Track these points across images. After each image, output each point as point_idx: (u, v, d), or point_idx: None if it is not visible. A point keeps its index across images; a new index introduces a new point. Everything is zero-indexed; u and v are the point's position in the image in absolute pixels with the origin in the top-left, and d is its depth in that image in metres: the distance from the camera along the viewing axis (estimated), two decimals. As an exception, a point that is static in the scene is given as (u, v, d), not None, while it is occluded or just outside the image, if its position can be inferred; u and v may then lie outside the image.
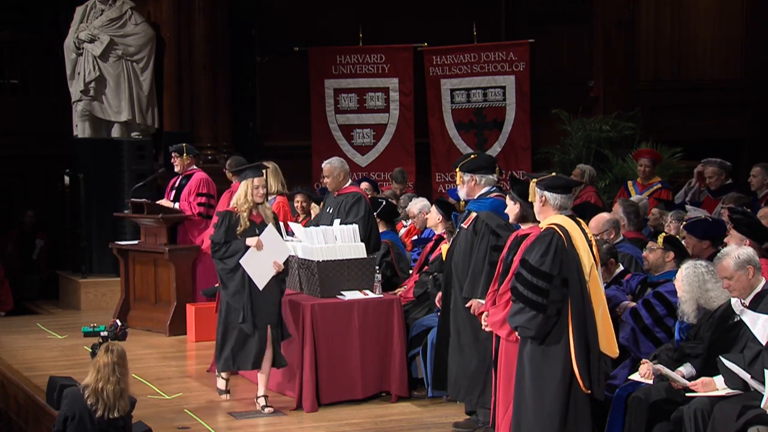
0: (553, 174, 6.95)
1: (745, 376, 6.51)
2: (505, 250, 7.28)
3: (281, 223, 9.44)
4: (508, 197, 7.41)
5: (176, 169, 12.36)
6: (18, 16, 16.97)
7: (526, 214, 7.25)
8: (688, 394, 6.79)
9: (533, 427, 6.68)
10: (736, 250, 6.91)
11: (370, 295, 9.14)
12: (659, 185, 12.57)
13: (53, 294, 14.98)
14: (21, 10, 17.00)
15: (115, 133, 14.99)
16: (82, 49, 14.85)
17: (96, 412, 7.06)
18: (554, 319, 6.62)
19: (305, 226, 9.80)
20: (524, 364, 6.72)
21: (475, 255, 8.03)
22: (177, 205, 12.33)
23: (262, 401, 8.88)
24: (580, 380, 6.61)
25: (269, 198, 9.90)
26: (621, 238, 9.16)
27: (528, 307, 6.61)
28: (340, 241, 9.22)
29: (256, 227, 8.81)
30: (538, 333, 6.62)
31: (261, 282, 8.71)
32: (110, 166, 14.17)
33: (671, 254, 8.00)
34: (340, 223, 9.43)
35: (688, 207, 10.96)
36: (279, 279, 8.84)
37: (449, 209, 9.70)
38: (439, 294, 8.80)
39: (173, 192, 12.47)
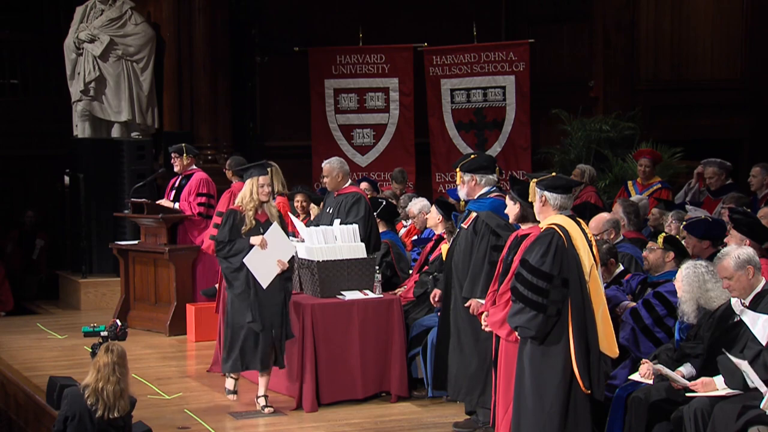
0: (553, 174, 6.95)
1: (748, 368, 6.48)
2: (505, 250, 7.28)
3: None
4: (507, 197, 7.41)
5: (176, 169, 12.36)
6: (18, 16, 16.98)
7: (526, 214, 7.25)
8: (688, 394, 6.79)
9: (533, 427, 6.68)
10: (736, 250, 6.91)
11: (370, 295, 9.14)
12: (659, 185, 12.57)
13: (53, 294, 15.00)
14: (21, 10, 17.01)
15: (115, 133, 14.99)
16: (82, 49, 14.86)
17: (96, 412, 7.06)
18: (554, 319, 6.62)
19: (305, 226, 9.80)
20: (524, 364, 6.72)
21: (474, 255, 8.03)
22: (177, 205, 12.34)
23: (262, 401, 8.88)
24: (580, 380, 6.61)
25: (269, 198, 9.89)
26: (621, 238, 9.17)
27: (528, 307, 6.61)
28: (340, 241, 9.22)
29: (261, 226, 8.77)
30: (538, 333, 6.62)
31: (265, 281, 8.69)
32: (110, 166, 14.18)
33: (671, 254, 8.00)
34: (340, 223, 9.43)
35: (688, 207, 10.96)
36: (284, 278, 8.80)
37: (449, 209, 9.70)
38: (435, 291, 8.82)
39: (173, 192, 12.48)
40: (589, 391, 6.67)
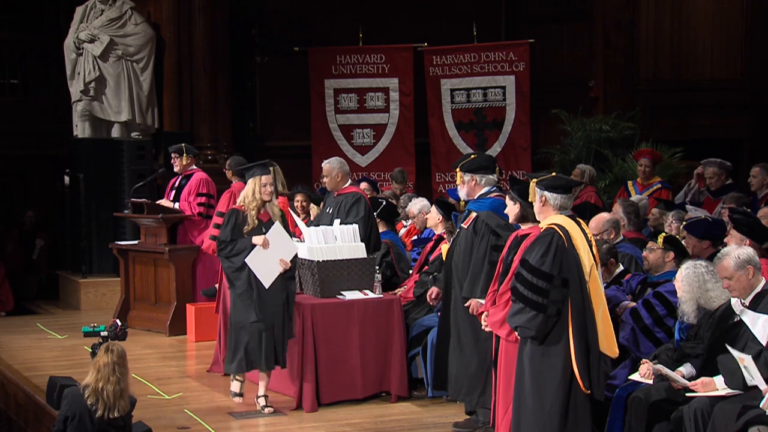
0: (553, 174, 6.95)
1: (750, 363, 6.46)
2: (505, 250, 7.28)
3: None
4: (507, 197, 7.41)
5: (176, 169, 12.37)
6: (18, 16, 16.98)
7: (526, 214, 7.25)
8: (688, 394, 6.79)
9: (533, 427, 6.68)
10: (736, 250, 6.91)
11: (370, 295, 9.14)
12: (659, 185, 12.57)
13: (53, 294, 15.00)
14: (21, 10, 17.01)
15: (115, 133, 14.99)
16: (82, 49, 14.86)
17: (96, 412, 7.06)
18: (554, 319, 6.62)
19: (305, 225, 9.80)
20: (524, 364, 6.72)
21: (474, 255, 8.03)
22: (177, 205, 12.34)
23: (262, 401, 8.87)
24: (579, 380, 6.61)
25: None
26: (621, 238, 9.17)
27: (528, 307, 6.61)
28: (340, 241, 9.21)
29: (263, 226, 8.74)
30: (538, 333, 6.61)
31: (267, 280, 8.66)
32: (110, 166, 14.18)
33: (671, 254, 8.00)
34: (340, 223, 9.43)
35: (688, 207, 10.96)
36: (287, 278, 8.76)
37: (449, 209, 9.70)
38: (433, 289, 8.83)
39: (173, 192, 12.48)
40: (589, 391, 6.67)
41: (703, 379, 6.81)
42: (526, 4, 17.09)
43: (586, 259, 6.68)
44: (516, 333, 6.79)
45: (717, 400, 6.60)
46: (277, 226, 8.73)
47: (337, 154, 12.44)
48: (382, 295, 9.19)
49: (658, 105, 16.20)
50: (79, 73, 14.92)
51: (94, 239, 14.16)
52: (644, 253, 8.27)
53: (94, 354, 7.60)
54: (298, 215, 11.02)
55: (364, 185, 11.97)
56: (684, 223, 8.98)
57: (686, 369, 7.06)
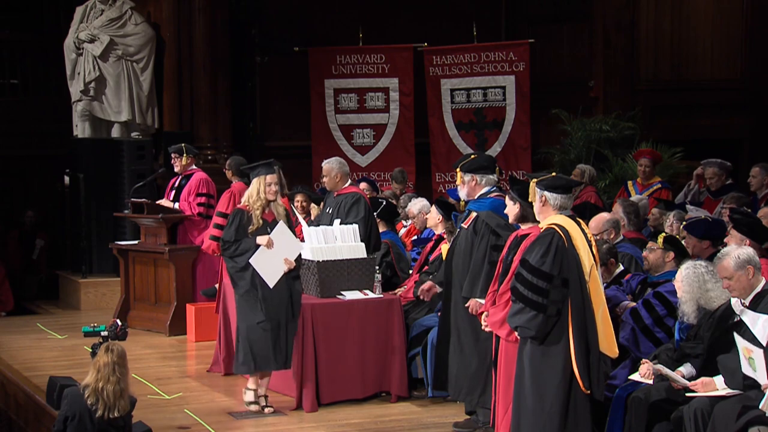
0: (553, 174, 6.95)
1: (759, 356, 6.43)
2: (504, 250, 7.28)
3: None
4: (507, 197, 7.41)
5: (176, 170, 12.37)
6: (18, 16, 16.98)
7: (526, 214, 7.25)
8: (688, 394, 6.79)
9: (533, 427, 6.68)
10: (736, 250, 6.90)
11: (370, 295, 9.14)
12: (659, 185, 12.57)
13: (53, 294, 15.00)
14: (21, 10, 17.01)
15: (115, 133, 14.99)
16: (82, 49, 14.86)
17: (96, 412, 7.06)
18: (554, 319, 6.61)
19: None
20: (524, 364, 6.72)
21: (474, 255, 8.03)
22: (177, 205, 12.34)
23: (262, 401, 8.87)
24: (579, 380, 6.61)
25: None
26: (621, 238, 9.17)
27: (528, 307, 6.61)
28: (340, 241, 9.21)
29: (268, 225, 8.70)
30: (538, 333, 6.61)
31: (271, 280, 8.63)
32: (110, 166, 14.18)
33: (671, 254, 8.00)
34: (340, 224, 9.43)
35: (688, 207, 10.96)
36: (292, 277, 8.73)
37: (449, 209, 9.70)
38: (427, 283, 8.83)
39: (173, 192, 12.48)
40: (589, 391, 6.67)
41: (703, 379, 6.81)
42: (526, 4, 17.09)
43: (586, 259, 6.68)
44: (516, 333, 6.79)
45: (717, 400, 6.60)
46: (282, 226, 8.70)
47: (337, 154, 12.45)
48: (382, 295, 9.19)
49: (658, 105, 16.20)
50: (79, 73, 14.92)
51: (94, 239, 14.16)
52: (644, 253, 8.27)
53: (94, 354, 7.59)
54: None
55: (363, 185, 11.97)
56: (684, 223, 8.98)
57: (686, 369, 7.06)
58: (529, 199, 6.97)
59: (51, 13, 16.99)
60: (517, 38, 16.25)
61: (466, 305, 8.01)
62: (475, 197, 8.19)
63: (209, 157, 14.83)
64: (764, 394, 6.32)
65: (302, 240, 9.33)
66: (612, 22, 16.09)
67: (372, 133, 15.76)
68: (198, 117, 15.17)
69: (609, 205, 11.64)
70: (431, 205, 10.18)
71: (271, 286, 8.62)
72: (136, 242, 12.73)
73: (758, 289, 6.81)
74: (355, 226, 9.32)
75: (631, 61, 16.24)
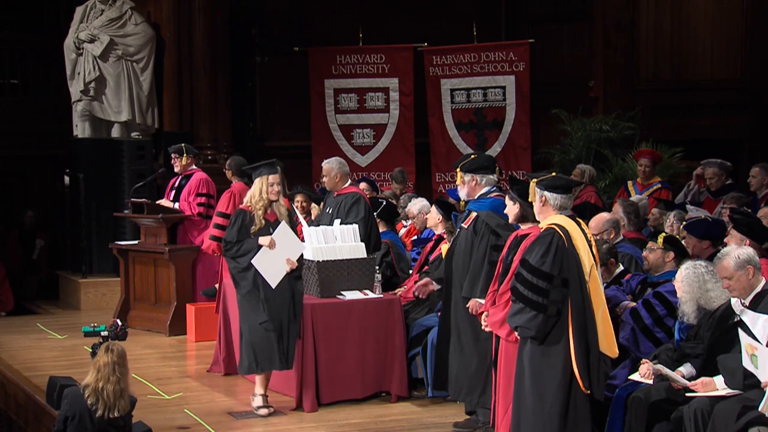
0: (553, 174, 6.95)
1: (764, 353, 6.43)
2: (504, 250, 7.28)
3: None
4: (507, 197, 7.41)
5: (176, 170, 12.37)
6: (18, 16, 16.98)
7: (526, 214, 7.25)
8: (688, 394, 6.79)
9: (533, 427, 6.68)
10: (736, 250, 6.91)
11: (370, 295, 9.13)
12: (659, 185, 12.57)
13: (53, 294, 15.00)
14: (21, 10, 17.01)
15: (115, 133, 14.99)
16: (82, 49, 14.86)
17: (96, 412, 7.06)
18: (554, 319, 6.61)
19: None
20: (524, 364, 6.72)
21: (474, 254, 8.03)
22: (177, 205, 12.34)
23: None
24: (579, 380, 6.61)
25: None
26: (621, 238, 9.17)
27: (528, 307, 6.61)
28: (340, 241, 9.21)
29: (270, 226, 8.68)
30: (538, 333, 6.61)
31: (274, 281, 8.62)
32: (110, 166, 14.18)
33: (671, 254, 8.00)
34: (341, 224, 9.43)
35: (688, 207, 10.96)
36: (294, 277, 8.71)
37: (449, 209, 9.70)
38: (426, 279, 8.84)
39: (173, 192, 12.48)
40: (589, 391, 6.67)
41: (703, 379, 6.81)
42: (526, 4, 17.09)
43: (586, 259, 6.68)
44: (516, 333, 6.79)
45: (717, 400, 6.60)
46: (284, 226, 8.68)
47: (337, 154, 12.44)
48: (382, 295, 9.19)
49: (658, 105, 16.21)
50: (79, 73, 14.92)
51: (94, 239, 14.16)
52: (644, 253, 8.27)
53: (94, 354, 7.60)
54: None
55: (363, 185, 11.97)
56: (684, 223, 8.98)
57: (686, 369, 7.06)
58: (529, 199, 6.96)
59: (51, 13, 16.99)
60: (517, 38, 16.25)
61: (467, 305, 8.01)
62: (475, 197, 8.19)
63: (209, 157, 14.83)
64: (764, 394, 6.32)
65: (302, 240, 9.34)
66: (612, 22, 16.10)
67: (372, 133, 15.76)
68: (198, 117, 15.17)
69: (609, 205, 11.64)
70: (431, 205, 10.18)
71: (273, 287, 8.61)
72: (136, 242, 12.74)
73: (758, 289, 6.81)
74: (355, 226, 9.32)
75: (631, 61, 16.24)
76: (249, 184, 9.72)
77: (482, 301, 7.69)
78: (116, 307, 12.65)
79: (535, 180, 6.89)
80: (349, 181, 9.92)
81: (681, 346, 7.21)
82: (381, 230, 10.02)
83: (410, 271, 10.08)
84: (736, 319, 6.83)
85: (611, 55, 16.11)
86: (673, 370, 6.98)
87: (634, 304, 7.85)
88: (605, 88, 16.08)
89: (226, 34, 15.32)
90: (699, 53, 16.61)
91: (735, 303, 6.88)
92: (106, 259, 13.87)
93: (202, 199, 12.23)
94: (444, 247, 9.00)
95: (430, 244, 9.90)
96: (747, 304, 6.79)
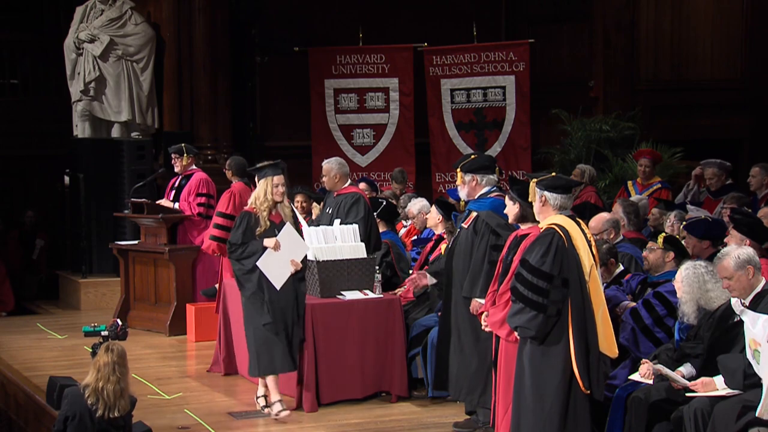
0: (553, 174, 6.95)
1: (766, 350, 6.42)
2: (504, 250, 7.28)
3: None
4: (507, 197, 7.41)
5: (176, 170, 12.37)
6: (18, 16, 16.98)
7: (526, 214, 7.26)
8: (688, 394, 6.79)
9: (533, 427, 6.68)
10: (736, 250, 6.91)
11: (370, 295, 9.13)
12: (659, 185, 12.57)
13: (53, 294, 15.00)
14: (21, 10, 17.01)
15: (115, 133, 15.00)
16: (82, 49, 14.87)
17: (96, 412, 7.07)
18: (554, 319, 6.61)
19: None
20: (524, 364, 6.72)
21: (474, 254, 8.03)
22: (177, 205, 12.34)
23: (262, 401, 8.86)
24: (579, 380, 6.61)
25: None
26: (621, 238, 9.17)
27: (528, 307, 6.61)
28: (340, 241, 9.21)
29: (275, 227, 8.64)
30: (538, 333, 6.61)
31: (278, 282, 8.60)
32: (110, 166, 14.19)
33: (671, 254, 8.00)
34: (340, 224, 9.43)
35: (688, 207, 10.96)
36: (297, 278, 8.69)
37: (449, 209, 9.70)
38: (419, 273, 8.83)
39: (173, 192, 12.48)
40: (589, 391, 6.67)
41: (703, 379, 6.81)
42: (526, 4, 17.09)
43: (586, 259, 6.68)
44: (516, 333, 6.79)
45: (717, 400, 6.60)
46: (288, 227, 8.65)
47: (337, 154, 12.45)
48: (382, 295, 9.18)
49: (658, 105, 16.20)
50: (79, 73, 14.93)
51: (94, 239, 14.16)
52: (644, 253, 8.27)
53: (94, 354, 7.60)
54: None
55: (362, 185, 11.96)
56: (684, 223, 8.98)
57: (686, 369, 7.06)
58: (529, 199, 6.96)
59: (51, 13, 16.98)
60: (517, 38, 16.25)
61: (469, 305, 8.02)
62: (475, 197, 8.19)
63: (209, 157, 14.83)
64: (761, 395, 6.31)
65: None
66: (612, 22, 16.09)
67: (372, 133, 15.76)
68: (198, 117, 15.17)
69: (609, 205, 11.64)
70: (431, 205, 10.19)
71: (278, 288, 8.59)
72: (136, 242, 12.74)
73: (758, 289, 6.81)
74: (355, 226, 9.32)
75: (631, 61, 16.24)
76: (249, 184, 9.73)
77: (482, 301, 7.69)
78: (116, 307, 12.65)
79: (535, 180, 6.89)
80: (349, 181, 9.92)
81: (681, 346, 7.22)
82: (381, 230, 10.02)
83: (410, 271, 10.06)
84: (735, 319, 6.83)
85: (611, 55, 16.11)
86: (673, 370, 6.98)
87: (634, 304, 7.85)
88: (605, 88, 16.08)
89: (226, 34, 15.32)
90: (699, 53, 16.61)
91: (735, 303, 6.88)
92: (106, 259, 13.88)
93: (202, 199, 12.23)
94: (444, 248, 9.00)
95: (430, 244, 9.90)
96: (747, 304, 6.79)
